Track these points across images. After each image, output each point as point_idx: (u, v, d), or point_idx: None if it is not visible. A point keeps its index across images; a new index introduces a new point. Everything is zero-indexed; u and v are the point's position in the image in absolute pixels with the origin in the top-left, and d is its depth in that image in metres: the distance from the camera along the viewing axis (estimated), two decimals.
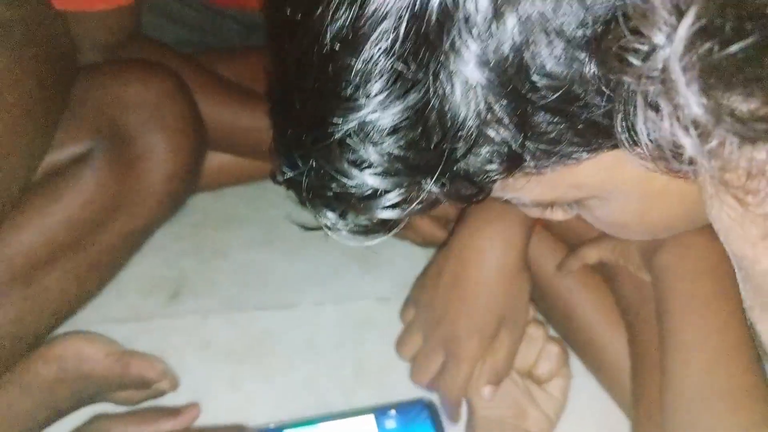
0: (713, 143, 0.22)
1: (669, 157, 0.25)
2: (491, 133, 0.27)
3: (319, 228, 0.32)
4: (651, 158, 0.26)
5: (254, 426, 0.56)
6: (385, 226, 0.31)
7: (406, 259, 0.72)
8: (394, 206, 0.29)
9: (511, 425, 0.52)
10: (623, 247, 0.54)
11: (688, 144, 0.23)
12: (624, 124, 0.25)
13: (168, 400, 0.59)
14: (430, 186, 0.28)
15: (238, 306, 0.68)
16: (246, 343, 0.65)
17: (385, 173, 0.28)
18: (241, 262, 0.71)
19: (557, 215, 0.38)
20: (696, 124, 0.22)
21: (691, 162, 0.24)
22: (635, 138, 0.25)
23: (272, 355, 0.64)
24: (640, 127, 0.24)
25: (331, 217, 0.31)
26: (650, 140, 0.25)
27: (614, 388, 0.56)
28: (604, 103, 0.26)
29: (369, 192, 0.29)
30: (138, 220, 0.57)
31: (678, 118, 0.23)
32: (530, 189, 0.31)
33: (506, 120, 0.26)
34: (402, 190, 0.28)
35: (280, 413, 0.57)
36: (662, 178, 0.29)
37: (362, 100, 0.27)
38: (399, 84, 0.26)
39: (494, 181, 0.29)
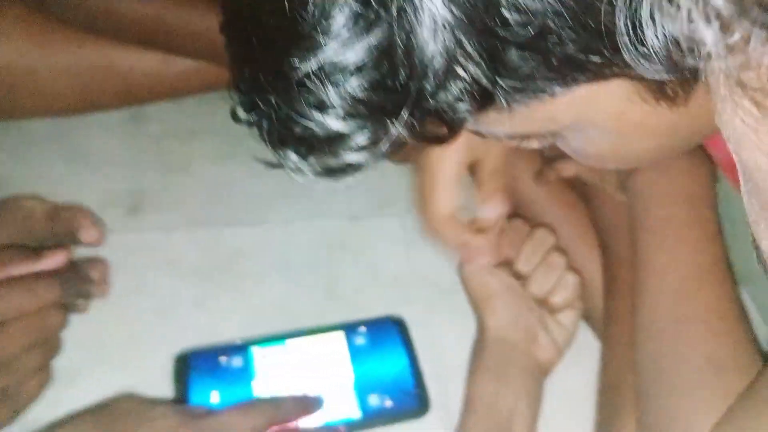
0: (736, 37, 0.20)
1: (679, 56, 0.23)
2: (460, 71, 0.25)
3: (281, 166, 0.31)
4: (651, 63, 0.24)
5: (221, 341, 0.54)
6: (351, 168, 0.30)
7: (379, 178, 0.69)
8: (359, 149, 0.28)
9: (521, 350, 0.51)
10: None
11: (709, 36, 0.21)
12: (628, 24, 0.23)
13: (131, 318, 0.57)
14: (398, 127, 0.27)
15: (203, 222, 0.65)
16: (212, 261, 0.62)
17: (349, 116, 0.27)
18: (205, 177, 0.68)
19: (533, 144, 0.37)
20: (718, 14, 0.20)
21: (707, 57, 0.22)
22: (641, 37, 0.23)
23: (240, 274, 0.61)
24: (648, 21, 0.23)
25: (293, 159, 0.29)
26: (659, 37, 0.23)
27: (586, 309, 0.55)
28: (580, 37, 0.24)
29: (333, 135, 0.27)
30: None
31: (698, 8, 0.21)
32: (504, 123, 0.30)
33: (476, 57, 0.25)
34: (367, 133, 0.27)
35: (249, 333, 0.55)
36: (637, 113, 0.29)
37: (322, 39, 0.25)
38: (361, 21, 0.24)
39: (465, 120, 0.28)
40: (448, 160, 0.51)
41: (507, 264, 0.54)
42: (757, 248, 0.25)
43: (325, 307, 0.59)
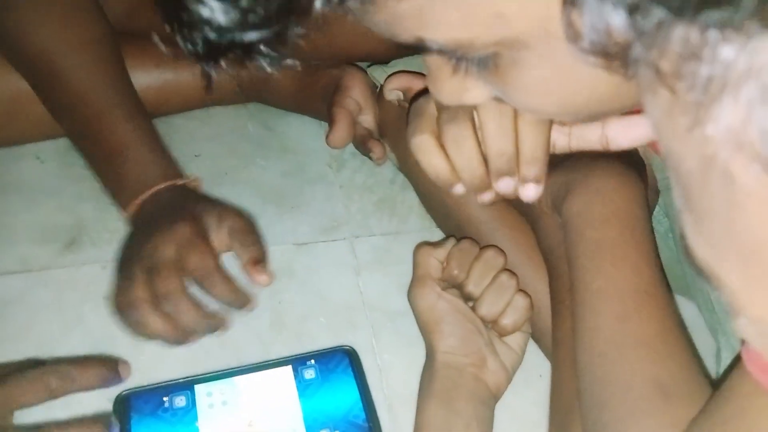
0: (650, 23, 0.20)
1: (604, 48, 0.23)
2: None
3: None
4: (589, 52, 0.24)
5: (163, 380, 0.52)
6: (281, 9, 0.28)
7: (324, 203, 0.69)
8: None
9: (470, 373, 0.50)
10: None
11: (618, 21, 0.20)
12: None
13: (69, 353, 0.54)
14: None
15: None
16: None
17: None
18: None
19: (472, 94, 0.35)
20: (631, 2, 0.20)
21: (628, 52, 0.22)
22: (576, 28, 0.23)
23: None
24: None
25: (211, 4, 0.27)
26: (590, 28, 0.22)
27: (536, 331, 0.55)
28: None
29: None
30: None
31: None
32: (444, 18, 0.28)
33: None
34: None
35: (192, 369, 0.53)
36: None
37: None
38: None
39: None
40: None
41: (455, 286, 0.54)
42: (683, 239, 0.24)
43: (271, 340, 0.58)
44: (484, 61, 0.32)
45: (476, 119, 0.42)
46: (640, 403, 0.40)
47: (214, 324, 0.54)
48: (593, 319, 0.44)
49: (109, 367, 0.50)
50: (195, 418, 0.50)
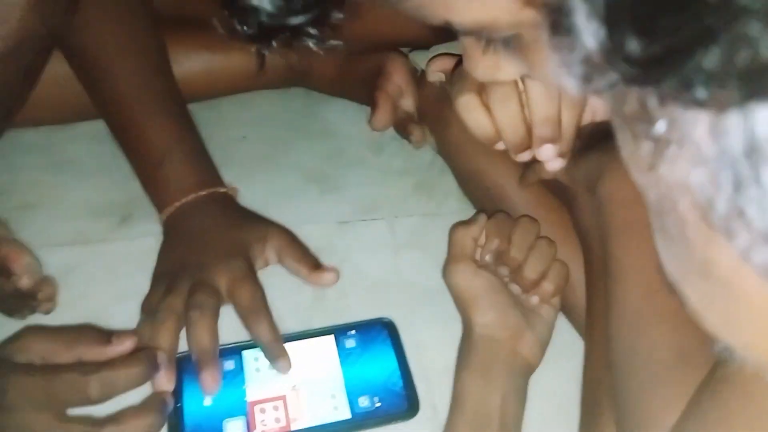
0: (605, 83, 0.21)
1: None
2: None
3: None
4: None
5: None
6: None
7: (364, 185, 0.71)
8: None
9: (507, 348, 0.52)
10: (572, 170, 0.54)
11: (572, 85, 0.22)
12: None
13: (120, 324, 0.57)
14: None
15: None
16: None
17: None
18: None
19: (503, 72, 0.36)
20: (588, 60, 0.21)
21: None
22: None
23: None
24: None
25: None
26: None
27: (570, 307, 0.57)
28: None
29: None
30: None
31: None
32: (467, 4, 0.29)
33: None
34: None
35: (239, 337, 0.56)
36: None
37: None
38: None
39: None
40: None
41: (496, 256, 0.55)
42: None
43: (314, 311, 0.60)
44: (508, 41, 0.34)
45: (520, 85, 0.44)
46: (663, 372, 0.42)
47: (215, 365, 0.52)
48: (623, 293, 0.46)
49: (149, 360, 0.51)
50: (243, 381, 0.52)
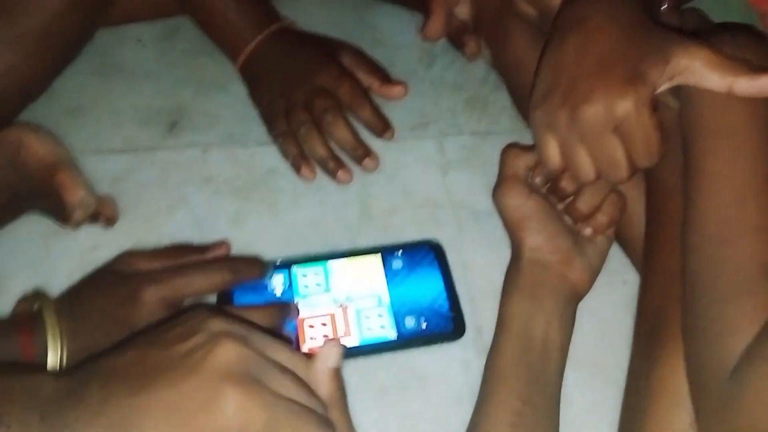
0: None
1: None
2: None
3: None
4: None
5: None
6: None
7: (413, 99, 0.68)
8: None
9: (555, 272, 0.52)
10: None
11: None
12: None
13: (172, 235, 0.58)
14: None
15: (240, 141, 0.65)
16: (248, 180, 0.63)
17: None
18: (241, 96, 0.67)
19: None
20: None
21: None
22: None
23: (276, 193, 0.62)
24: None
25: None
26: None
27: (626, 238, 0.55)
28: None
29: None
30: None
31: None
32: None
33: None
34: None
35: (285, 251, 0.57)
36: None
37: None
38: None
39: None
40: None
41: (547, 185, 0.54)
42: None
43: (360, 228, 0.60)
44: None
45: None
46: (747, 284, 0.41)
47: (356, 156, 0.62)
48: (708, 202, 0.44)
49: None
50: (292, 297, 0.53)
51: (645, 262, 0.50)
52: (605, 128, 0.46)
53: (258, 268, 0.53)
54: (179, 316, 0.37)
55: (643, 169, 0.48)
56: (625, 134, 0.46)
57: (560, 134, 0.47)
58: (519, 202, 0.53)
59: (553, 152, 0.49)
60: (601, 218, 0.52)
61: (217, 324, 0.35)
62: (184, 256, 0.52)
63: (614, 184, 0.52)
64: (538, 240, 0.52)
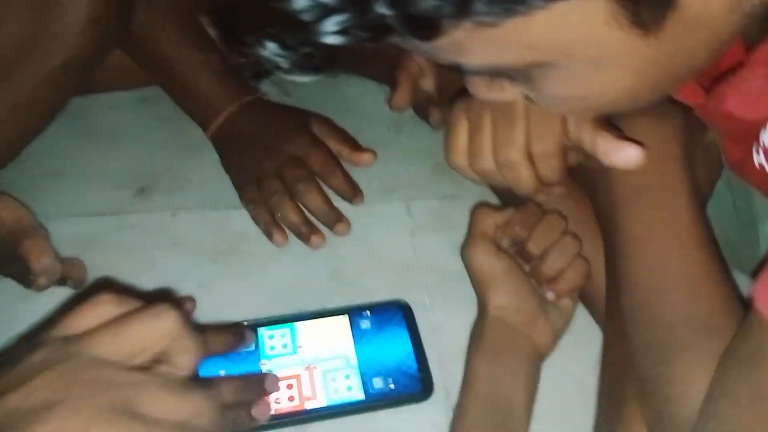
0: None
1: None
2: None
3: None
4: None
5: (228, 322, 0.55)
6: (331, 57, 0.30)
7: (382, 165, 0.70)
8: (339, 31, 0.28)
9: (520, 331, 0.52)
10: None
11: None
12: None
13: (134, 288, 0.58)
14: (380, 7, 0.27)
15: (210, 205, 0.66)
16: (217, 243, 0.63)
17: None
18: (213, 161, 0.68)
19: (506, 94, 0.38)
20: None
21: None
22: None
23: (245, 256, 0.62)
24: None
25: (271, 48, 0.29)
26: None
27: (590, 298, 0.56)
28: None
29: (312, 11, 0.27)
30: (56, 56, 0.58)
31: None
32: (481, 49, 0.31)
33: None
34: (348, 10, 0.27)
35: (253, 315, 0.56)
36: (613, 39, 0.30)
37: None
38: None
39: (446, 17, 0.28)
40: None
41: (515, 244, 0.55)
42: None
43: (329, 291, 0.60)
44: (516, 74, 0.36)
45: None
46: (682, 341, 0.42)
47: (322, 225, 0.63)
48: (635, 267, 0.45)
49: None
50: (258, 358, 0.53)
51: (606, 322, 0.51)
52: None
53: (237, 338, 0.49)
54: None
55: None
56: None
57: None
58: (487, 260, 0.54)
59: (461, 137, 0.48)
60: (563, 284, 0.53)
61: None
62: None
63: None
64: (504, 300, 0.53)
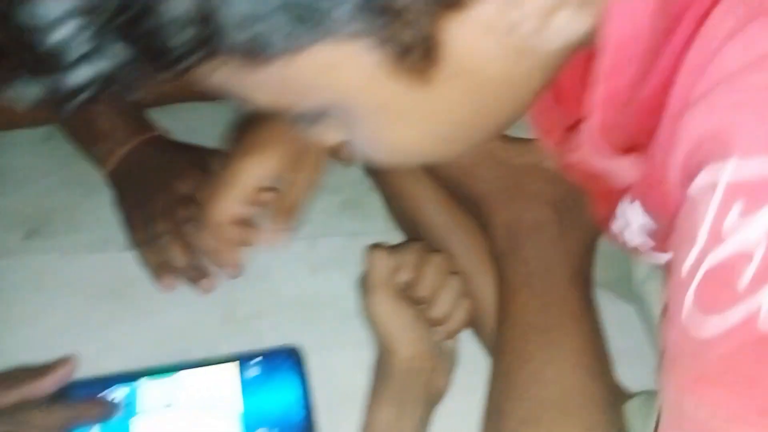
0: None
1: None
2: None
3: None
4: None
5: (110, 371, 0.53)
6: (79, 92, 0.26)
7: None
8: (78, 62, 0.25)
9: (424, 379, 0.51)
10: None
11: None
12: None
13: (21, 342, 0.55)
14: (117, 45, 0.24)
15: (100, 247, 0.63)
16: (106, 286, 0.61)
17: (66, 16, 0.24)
18: (108, 202, 0.66)
19: (328, 136, 0.36)
20: None
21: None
22: None
23: (135, 300, 0.60)
24: None
25: (17, 85, 0.26)
26: None
27: (484, 333, 0.55)
28: None
29: (49, 45, 0.24)
30: None
31: None
32: (260, 88, 0.29)
33: None
34: (87, 43, 0.24)
35: (141, 361, 0.54)
36: (384, 89, 0.29)
37: None
38: None
39: (192, 54, 0.26)
40: (246, 171, 0.56)
41: (406, 290, 0.54)
42: None
43: (222, 333, 0.58)
44: (314, 118, 0.33)
45: None
46: (552, 414, 0.42)
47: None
48: (514, 333, 0.46)
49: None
50: (131, 413, 0.50)
51: (494, 361, 0.50)
52: None
53: (99, 409, 0.50)
54: None
55: None
56: None
57: None
58: (389, 309, 0.53)
59: None
60: (453, 325, 0.53)
61: None
62: (17, 386, 0.49)
63: None
64: (410, 350, 0.52)
